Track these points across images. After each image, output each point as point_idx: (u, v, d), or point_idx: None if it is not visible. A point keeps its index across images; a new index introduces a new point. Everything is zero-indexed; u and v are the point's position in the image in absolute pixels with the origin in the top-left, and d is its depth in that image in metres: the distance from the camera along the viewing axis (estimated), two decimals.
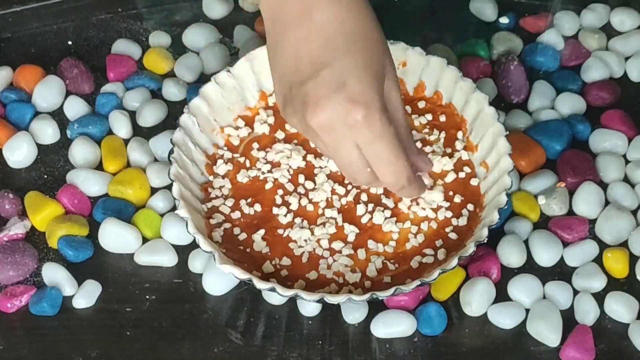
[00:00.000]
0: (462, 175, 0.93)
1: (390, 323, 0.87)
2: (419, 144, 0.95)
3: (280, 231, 0.90)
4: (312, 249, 0.89)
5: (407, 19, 1.06)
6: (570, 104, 1.01)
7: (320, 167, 0.93)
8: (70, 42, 1.09)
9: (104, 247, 0.93)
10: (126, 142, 1.00)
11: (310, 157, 0.94)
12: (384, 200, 0.91)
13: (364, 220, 0.90)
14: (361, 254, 0.88)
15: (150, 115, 1.01)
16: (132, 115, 1.02)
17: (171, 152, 0.91)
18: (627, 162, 0.98)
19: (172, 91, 1.04)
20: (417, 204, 0.91)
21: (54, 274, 0.90)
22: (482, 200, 0.91)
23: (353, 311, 0.88)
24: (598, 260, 0.91)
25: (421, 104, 0.97)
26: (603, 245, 0.92)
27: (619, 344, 0.86)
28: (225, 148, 0.96)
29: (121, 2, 1.12)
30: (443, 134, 0.95)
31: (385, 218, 0.90)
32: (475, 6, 1.10)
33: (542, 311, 0.87)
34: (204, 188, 0.93)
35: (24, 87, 1.04)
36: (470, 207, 0.91)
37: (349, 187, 0.92)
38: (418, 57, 0.97)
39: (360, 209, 0.91)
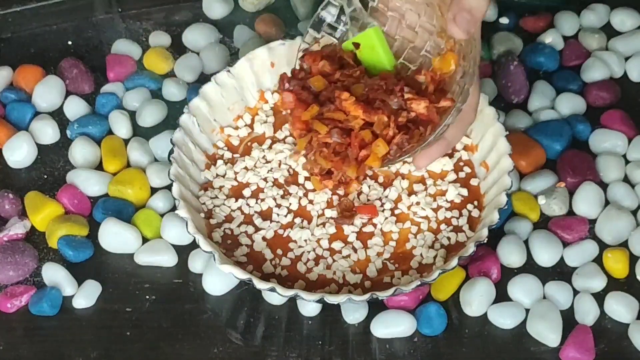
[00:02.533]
0: (462, 175, 0.93)
1: (390, 323, 0.87)
2: None
3: (280, 231, 0.90)
4: (312, 249, 0.89)
5: None
6: (570, 104, 1.01)
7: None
8: (70, 42, 1.09)
9: (104, 247, 0.93)
10: (126, 142, 1.00)
11: None
12: (384, 200, 0.91)
13: (364, 220, 0.90)
14: (361, 254, 0.88)
15: (150, 115, 1.01)
16: (132, 115, 1.02)
17: (171, 152, 0.91)
18: (627, 162, 0.98)
19: (172, 91, 1.04)
20: (417, 204, 0.91)
21: (54, 274, 0.90)
22: (482, 200, 0.91)
23: (353, 311, 0.88)
24: (598, 260, 0.91)
25: None
26: (603, 245, 0.92)
27: (619, 344, 0.86)
28: (225, 148, 0.96)
29: (121, 2, 1.12)
30: None
31: (385, 218, 0.90)
32: None
33: (542, 311, 0.87)
34: (204, 188, 0.93)
35: (24, 87, 1.04)
36: (470, 207, 0.91)
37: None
38: None
39: None
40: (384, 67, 0.90)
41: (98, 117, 1.02)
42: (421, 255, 0.88)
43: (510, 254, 0.91)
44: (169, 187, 0.93)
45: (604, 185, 0.95)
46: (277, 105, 0.98)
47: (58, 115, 1.02)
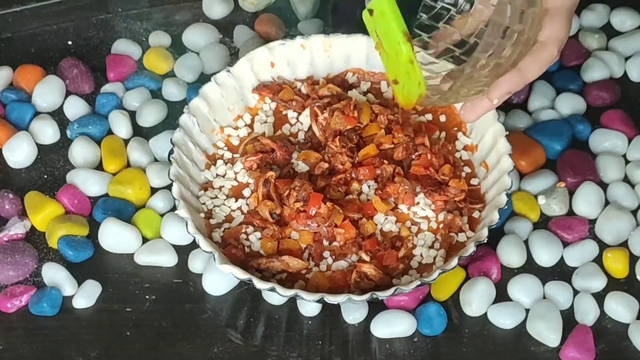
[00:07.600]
0: (462, 175, 0.93)
1: (390, 323, 0.87)
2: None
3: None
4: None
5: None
6: (570, 104, 1.01)
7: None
8: (70, 42, 1.09)
9: (104, 247, 0.93)
10: (126, 142, 1.00)
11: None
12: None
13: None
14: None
15: (150, 115, 1.01)
16: (132, 115, 1.02)
17: (171, 152, 0.91)
18: (627, 162, 0.98)
19: (172, 91, 1.04)
20: (417, 204, 0.91)
21: (54, 274, 0.90)
22: (482, 200, 0.91)
23: (353, 311, 0.88)
24: (598, 260, 0.91)
25: None
26: (603, 245, 0.92)
27: (619, 344, 0.86)
28: (225, 148, 0.96)
29: (121, 2, 1.12)
30: (443, 134, 0.95)
31: (385, 218, 0.90)
32: None
33: (542, 311, 0.87)
34: (204, 188, 0.93)
35: (24, 87, 1.04)
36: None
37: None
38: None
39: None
40: (395, 34, 0.88)
41: (98, 117, 1.02)
42: (421, 255, 0.88)
43: (510, 254, 0.91)
44: (169, 187, 0.93)
45: (604, 185, 0.95)
46: (279, 107, 0.97)
47: (58, 115, 1.02)
